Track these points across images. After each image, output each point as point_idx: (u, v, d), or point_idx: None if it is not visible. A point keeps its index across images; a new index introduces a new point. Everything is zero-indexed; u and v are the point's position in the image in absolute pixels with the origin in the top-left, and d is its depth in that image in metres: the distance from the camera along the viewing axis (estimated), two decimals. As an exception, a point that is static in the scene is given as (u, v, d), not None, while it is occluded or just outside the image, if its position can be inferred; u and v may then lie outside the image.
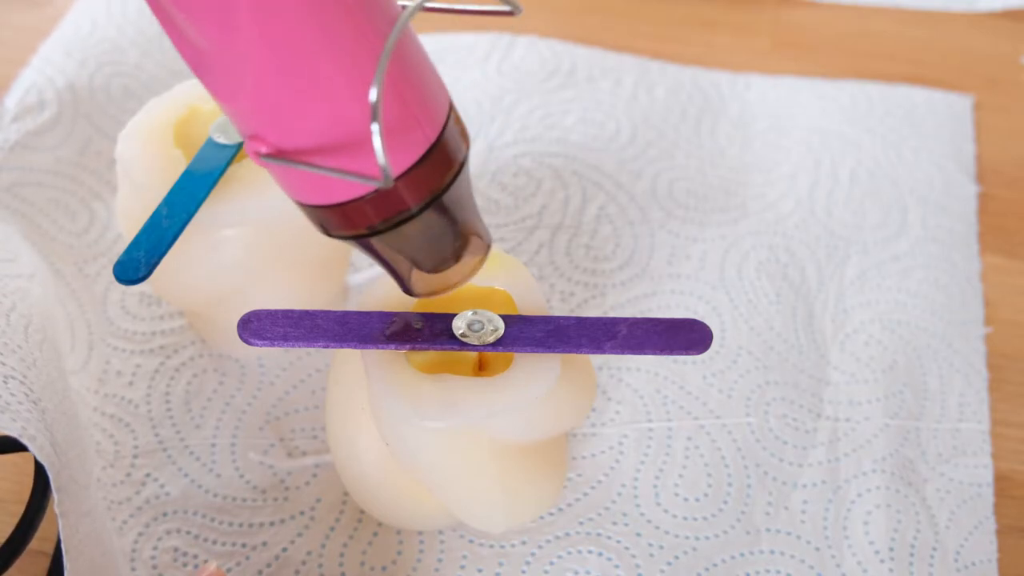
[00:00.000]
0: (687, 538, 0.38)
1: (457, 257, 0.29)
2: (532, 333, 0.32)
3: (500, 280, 0.34)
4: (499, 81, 0.53)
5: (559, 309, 0.44)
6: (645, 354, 0.31)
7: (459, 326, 0.32)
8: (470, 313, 0.32)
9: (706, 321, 0.44)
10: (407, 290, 0.30)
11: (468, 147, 0.28)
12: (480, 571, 0.37)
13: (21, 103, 0.48)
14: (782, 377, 0.43)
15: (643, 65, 0.55)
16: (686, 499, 0.39)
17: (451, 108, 0.27)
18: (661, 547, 0.38)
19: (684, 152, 0.51)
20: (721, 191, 0.49)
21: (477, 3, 0.28)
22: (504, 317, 0.32)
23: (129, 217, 0.38)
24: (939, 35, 0.59)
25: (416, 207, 0.26)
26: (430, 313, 0.32)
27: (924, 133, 0.53)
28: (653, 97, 0.53)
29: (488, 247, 0.30)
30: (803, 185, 0.50)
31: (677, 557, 0.38)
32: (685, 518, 0.39)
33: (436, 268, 0.29)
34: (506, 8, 0.26)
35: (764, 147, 0.52)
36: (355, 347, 0.32)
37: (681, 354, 0.31)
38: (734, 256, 0.47)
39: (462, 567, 0.37)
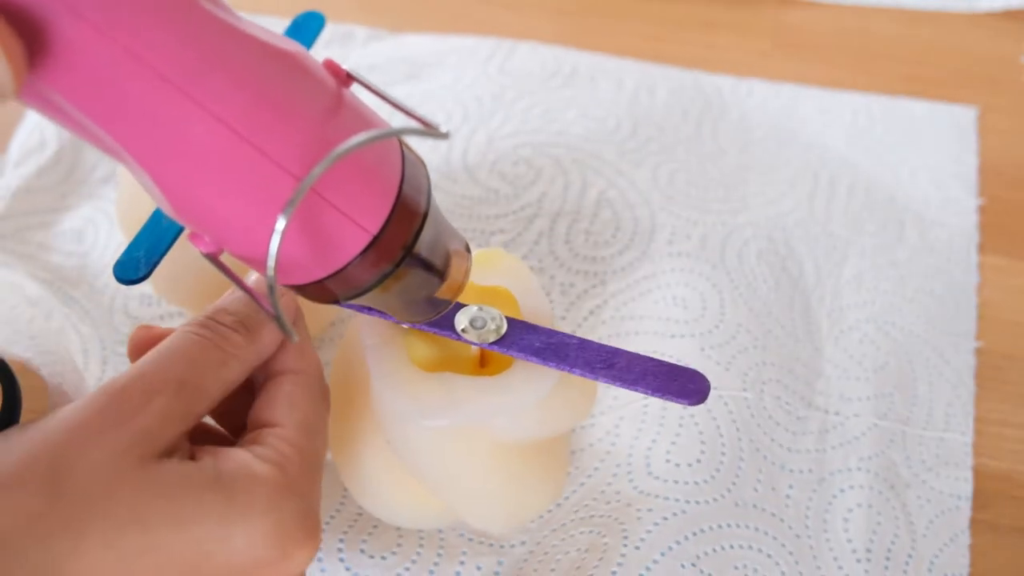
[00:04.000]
0: (676, 501, 0.38)
1: (443, 278, 0.28)
2: (531, 341, 0.31)
3: (506, 281, 0.34)
4: (500, 80, 0.53)
5: (559, 301, 0.44)
6: (636, 390, 0.30)
7: (461, 320, 0.32)
8: (475, 308, 0.32)
9: (706, 297, 0.44)
10: (406, 320, 0.30)
11: (428, 190, 0.27)
12: (479, 569, 0.37)
13: (23, 147, 0.49)
14: (778, 360, 0.43)
15: (644, 69, 0.55)
16: (678, 464, 0.39)
17: (403, 166, 0.26)
18: (649, 510, 0.38)
19: (685, 149, 0.51)
20: (721, 185, 0.49)
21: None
22: (510, 320, 0.32)
23: (129, 217, 0.38)
24: (939, 35, 0.59)
25: (378, 277, 0.26)
26: None
27: (925, 150, 0.53)
28: (654, 99, 0.53)
29: (468, 257, 0.29)
30: (802, 193, 0.50)
31: (665, 519, 0.37)
32: (676, 482, 0.38)
33: (425, 299, 0.29)
34: (439, 132, 0.26)
35: (764, 155, 0.52)
36: (357, 311, 0.32)
37: (673, 400, 0.30)
38: (735, 241, 0.46)
39: (461, 563, 0.37)
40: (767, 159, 0.51)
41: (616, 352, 0.31)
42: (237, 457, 0.26)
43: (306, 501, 0.26)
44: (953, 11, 0.60)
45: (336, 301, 0.27)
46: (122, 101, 0.22)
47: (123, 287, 0.44)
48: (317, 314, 0.42)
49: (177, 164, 0.23)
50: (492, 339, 0.31)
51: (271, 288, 0.24)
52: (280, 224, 0.23)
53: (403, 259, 0.26)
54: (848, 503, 0.39)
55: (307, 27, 0.37)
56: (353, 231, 0.25)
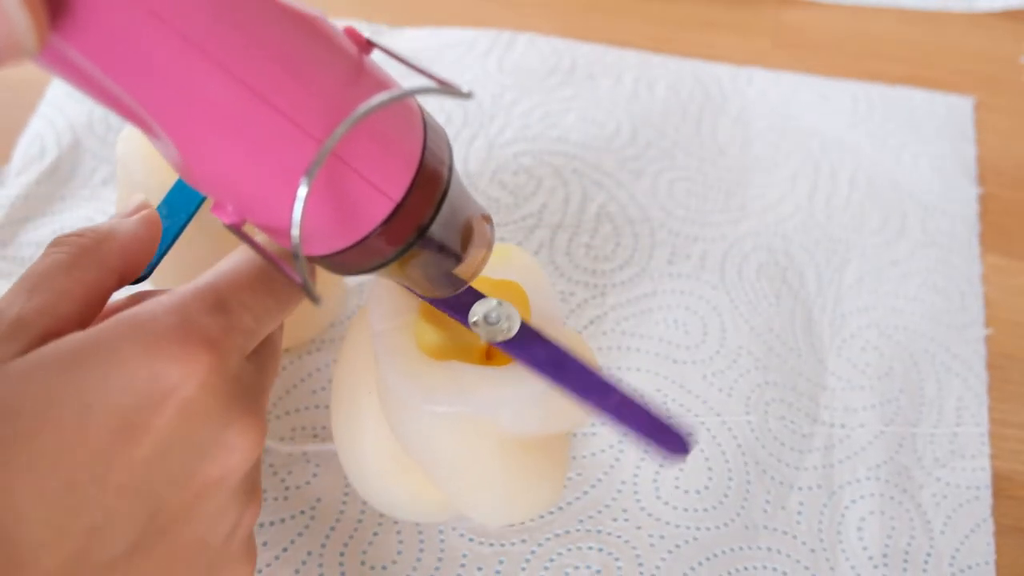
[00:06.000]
0: (688, 528, 0.39)
1: (461, 258, 0.28)
2: (536, 351, 0.31)
3: (518, 277, 0.34)
4: (499, 78, 0.53)
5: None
6: (619, 427, 0.30)
7: (477, 312, 0.31)
8: (495, 303, 0.31)
9: (707, 321, 0.44)
10: (428, 294, 0.30)
11: (450, 159, 0.27)
12: (480, 570, 0.37)
13: (25, 155, 0.49)
14: (781, 379, 0.43)
15: (644, 60, 0.55)
16: (686, 491, 0.39)
17: (424, 140, 0.26)
18: (662, 537, 0.38)
19: (684, 151, 0.51)
20: (721, 192, 0.49)
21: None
22: (523, 325, 0.31)
23: (129, 217, 0.38)
24: (939, 35, 0.59)
25: (401, 247, 0.26)
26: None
27: (924, 137, 0.53)
28: (654, 94, 0.53)
29: (491, 226, 0.29)
30: (802, 189, 0.50)
31: (678, 546, 0.38)
32: (686, 509, 0.39)
33: (447, 272, 0.28)
34: (462, 91, 0.25)
35: (764, 148, 0.52)
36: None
37: (652, 448, 0.29)
38: (734, 257, 0.47)
39: (462, 566, 0.37)
40: (767, 153, 0.51)
41: (615, 386, 0.30)
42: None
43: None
44: (952, 11, 0.60)
45: (359, 272, 0.27)
46: (142, 60, 0.22)
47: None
48: (316, 315, 0.42)
49: (197, 127, 0.23)
50: (499, 338, 0.31)
51: (296, 254, 0.24)
52: (303, 185, 0.23)
53: (426, 228, 0.26)
54: (860, 512, 0.40)
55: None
56: (376, 198, 0.25)
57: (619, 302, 0.45)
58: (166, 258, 0.33)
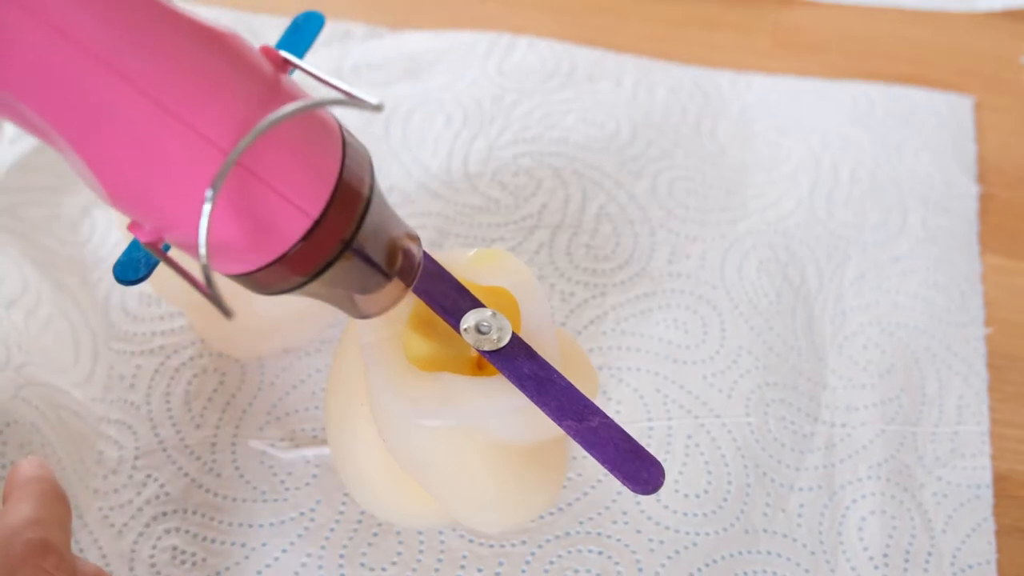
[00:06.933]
0: (687, 534, 0.38)
1: (391, 274, 0.28)
2: (521, 365, 0.31)
3: (507, 283, 0.33)
4: (499, 81, 0.53)
5: (559, 308, 0.44)
6: (591, 453, 0.29)
7: (469, 319, 0.31)
8: (490, 313, 0.31)
9: (707, 320, 0.44)
10: (357, 315, 0.29)
11: (371, 177, 0.26)
12: (480, 571, 0.37)
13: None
14: (781, 379, 0.43)
15: (643, 65, 0.55)
16: (686, 495, 0.39)
17: (344, 156, 0.25)
18: (661, 542, 0.38)
19: (684, 151, 0.51)
20: (722, 191, 0.49)
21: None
22: (513, 337, 0.31)
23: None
24: (939, 35, 0.58)
25: (322, 265, 0.25)
26: (462, 287, 0.32)
27: (925, 134, 0.53)
28: (653, 98, 0.53)
29: (419, 246, 0.29)
30: (803, 185, 0.50)
31: (677, 552, 0.38)
32: (685, 514, 0.39)
33: (374, 291, 0.28)
34: (371, 103, 0.25)
35: (765, 146, 0.52)
36: None
37: (619, 478, 0.29)
38: (734, 255, 0.47)
39: (462, 567, 0.37)
40: (768, 151, 0.51)
41: (594, 411, 0.30)
42: None
43: None
44: (952, 11, 0.60)
45: (283, 291, 0.26)
46: (46, 76, 0.21)
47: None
48: (316, 317, 0.42)
49: (105, 142, 0.23)
50: (487, 347, 0.31)
51: (205, 274, 0.23)
52: (208, 196, 0.22)
53: (347, 245, 0.25)
54: (861, 512, 0.40)
55: (307, 27, 0.36)
56: (293, 214, 0.24)
57: (619, 302, 0.45)
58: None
